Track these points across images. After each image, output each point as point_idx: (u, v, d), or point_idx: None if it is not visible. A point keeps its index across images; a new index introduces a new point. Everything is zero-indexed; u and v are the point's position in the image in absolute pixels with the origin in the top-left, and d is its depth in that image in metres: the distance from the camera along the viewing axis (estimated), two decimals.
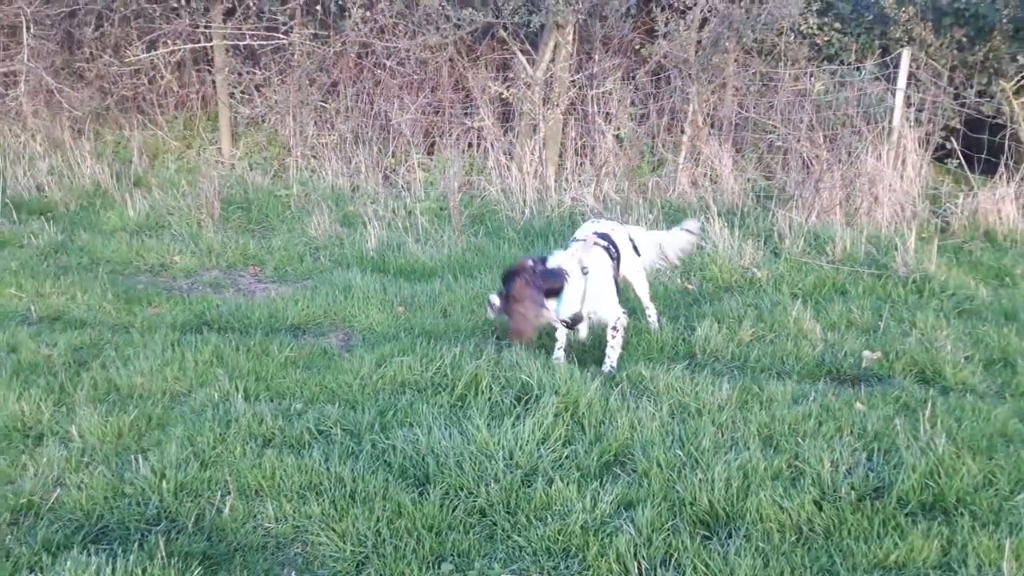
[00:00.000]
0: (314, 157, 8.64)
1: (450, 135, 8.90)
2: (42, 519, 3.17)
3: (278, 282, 6.03)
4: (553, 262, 4.39)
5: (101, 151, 8.70)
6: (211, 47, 8.64)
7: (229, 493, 3.26)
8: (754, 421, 3.75)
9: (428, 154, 8.87)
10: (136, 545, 2.97)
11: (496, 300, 4.35)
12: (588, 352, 4.63)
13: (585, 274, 4.37)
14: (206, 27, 8.49)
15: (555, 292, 4.30)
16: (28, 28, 8.30)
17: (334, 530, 3.05)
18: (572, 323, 4.45)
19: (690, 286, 5.74)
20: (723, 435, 3.65)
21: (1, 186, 7.56)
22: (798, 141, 8.15)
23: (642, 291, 4.95)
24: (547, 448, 3.50)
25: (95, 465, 3.47)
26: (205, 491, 3.29)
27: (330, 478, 3.33)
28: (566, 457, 3.47)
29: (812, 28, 8.56)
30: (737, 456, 3.44)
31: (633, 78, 8.93)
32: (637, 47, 9.19)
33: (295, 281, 6.04)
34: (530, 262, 4.37)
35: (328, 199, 7.65)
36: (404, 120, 8.73)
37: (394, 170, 8.69)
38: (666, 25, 8.19)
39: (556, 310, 4.35)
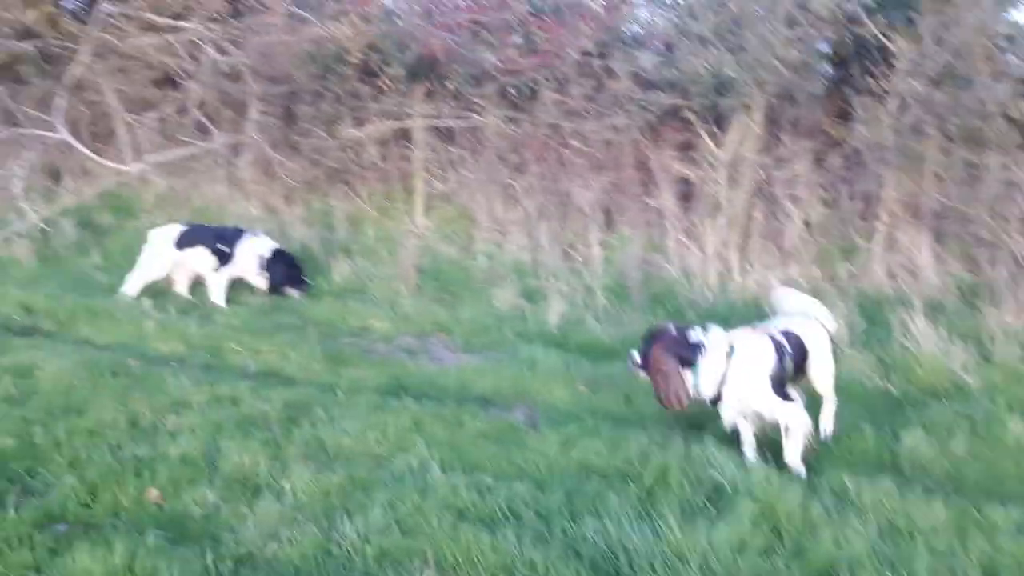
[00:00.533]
0: (499, 231, 8.99)
1: (630, 213, 9.02)
2: (259, 570, 3.38)
3: (466, 351, 6.27)
4: (703, 335, 4.32)
5: (309, 218, 9.48)
6: (412, 126, 9.28)
7: (428, 565, 3.37)
8: (974, 551, 3.45)
9: (607, 231, 9.00)
10: None
11: (637, 357, 4.34)
12: (778, 452, 4.45)
13: (730, 356, 4.23)
14: (409, 108, 9.15)
15: (688, 362, 4.21)
16: (255, 105, 9.27)
17: None
18: (713, 402, 4.34)
19: (892, 387, 5.41)
20: (940, 564, 3.37)
21: None
22: (1008, 235, 7.59)
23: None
24: (745, 558, 3.38)
25: (305, 522, 3.67)
26: (405, 560, 3.40)
27: (524, 562, 3.35)
28: (767, 570, 3.33)
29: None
30: None
31: (824, 161, 8.72)
32: (828, 130, 8.98)
33: (481, 351, 6.25)
34: (671, 327, 4.31)
35: (511, 272, 7.92)
36: (586, 198, 8.95)
37: (573, 246, 8.87)
38: (863, 110, 7.95)
39: (693, 384, 4.26)
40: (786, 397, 4.33)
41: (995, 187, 8.06)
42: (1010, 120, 8.11)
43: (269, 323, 6.55)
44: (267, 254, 7.25)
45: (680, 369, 4.24)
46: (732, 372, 4.25)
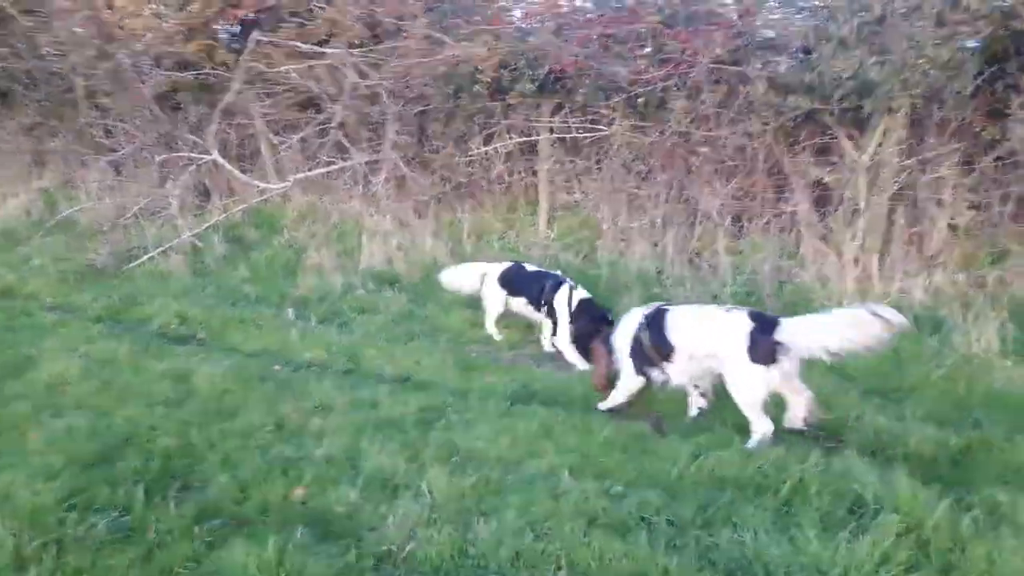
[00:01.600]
0: (623, 240, 8.98)
1: (761, 219, 8.78)
2: (399, 568, 3.54)
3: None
4: None
5: (438, 230, 9.79)
6: (538, 139, 9.43)
7: (561, 569, 3.43)
8: None
9: (736, 238, 8.81)
10: None
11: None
12: (927, 466, 4.24)
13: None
14: (536, 121, 9.30)
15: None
16: (392, 124, 9.67)
17: None
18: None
19: None
20: None
21: (360, 258, 8.78)
22: None
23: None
24: (887, 572, 3.25)
25: (442, 523, 3.81)
26: (539, 563, 3.48)
27: (657, 569, 3.37)
28: None
29: None
30: None
31: (973, 163, 8.19)
32: (978, 130, 8.43)
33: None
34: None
35: (635, 280, 7.89)
36: (713, 205, 8.79)
37: (699, 254, 8.73)
38: (1022, 108, 7.43)
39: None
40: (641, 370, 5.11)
41: None
42: None
43: (403, 331, 6.82)
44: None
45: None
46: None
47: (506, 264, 7.12)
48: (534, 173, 9.86)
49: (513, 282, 6.88)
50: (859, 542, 3.38)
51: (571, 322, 6.35)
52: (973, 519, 3.57)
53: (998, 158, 8.11)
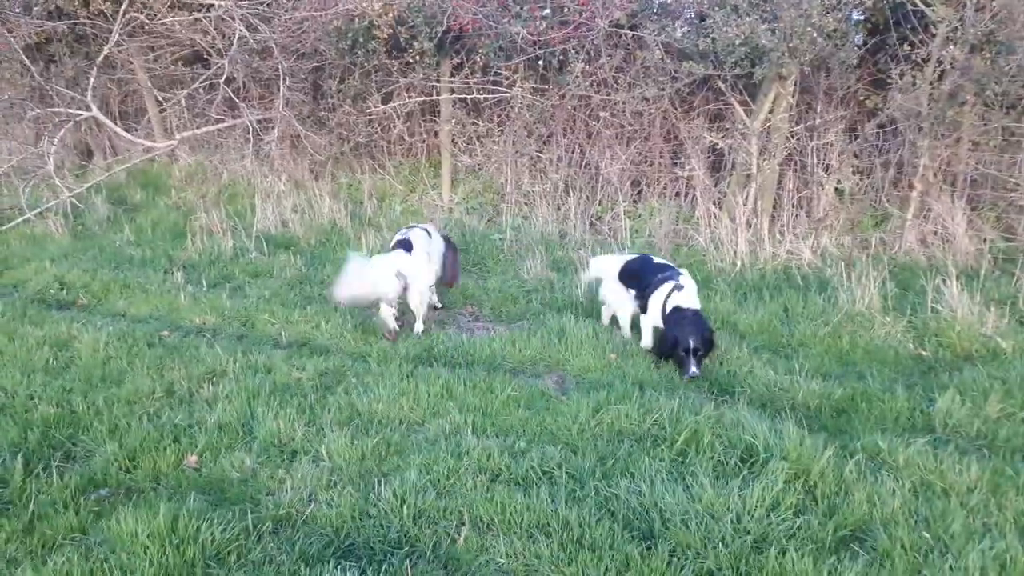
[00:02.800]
0: (526, 204, 8.98)
1: (658, 184, 8.95)
2: (298, 531, 3.47)
3: (494, 322, 6.29)
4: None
5: (336, 192, 9.53)
6: (439, 99, 9.26)
7: (463, 524, 3.43)
8: (1010, 508, 3.43)
9: (635, 203, 8.96)
10: (382, 566, 3.19)
11: None
12: (814, 416, 4.45)
13: None
14: (436, 80, 9.13)
15: None
16: (284, 80, 9.30)
17: (564, 573, 3.11)
18: None
19: (925, 352, 5.36)
20: (974, 520, 3.37)
21: (253, 221, 8.45)
22: None
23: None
24: (778, 516, 3.40)
25: (343, 485, 3.77)
26: (441, 519, 3.48)
27: (557, 520, 3.41)
28: (798, 527, 3.34)
29: None
30: (992, 545, 3.16)
31: (857, 130, 8.58)
32: (862, 98, 8.82)
33: (510, 322, 6.27)
34: None
35: (539, 244, 7.91)
36: (613, 169, 8.89)
37: (600, 218, 8.84)
38: (900, 77, 7.80)
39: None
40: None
41: None
42: None
43: (300, 295, 6.62)
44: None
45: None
46: None
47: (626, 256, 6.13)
48: (436, 134, 9.71)
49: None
50: (750, 489, 3.52)
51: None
52: (856, 464, 3.77)
53: (880, 125, 8.52)
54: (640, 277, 5.63)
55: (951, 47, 7.61)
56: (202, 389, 4.78)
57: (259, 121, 9.78)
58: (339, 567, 3.17)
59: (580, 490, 3.69)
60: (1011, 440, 4.15)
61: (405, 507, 3.52)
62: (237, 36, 9.14)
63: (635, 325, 5.79)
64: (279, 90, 9.44)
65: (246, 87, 10.27)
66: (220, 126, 10.09)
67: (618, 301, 5.87)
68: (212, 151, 10.67)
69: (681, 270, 5.50)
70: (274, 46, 9.23)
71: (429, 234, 6.30)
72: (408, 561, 3.21)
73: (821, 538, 3.28)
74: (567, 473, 3.82)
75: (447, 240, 6.62)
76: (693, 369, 4.91)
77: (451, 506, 3.54)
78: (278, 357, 5.26)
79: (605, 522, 3.42)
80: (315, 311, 6.11)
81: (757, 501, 3.44)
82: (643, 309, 5.53)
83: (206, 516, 3.46)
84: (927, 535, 3.25)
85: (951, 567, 3.05)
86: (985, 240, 7.57)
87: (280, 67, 9.35)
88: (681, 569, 3.14)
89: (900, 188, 8.29)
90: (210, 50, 9.61)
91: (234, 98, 9.75)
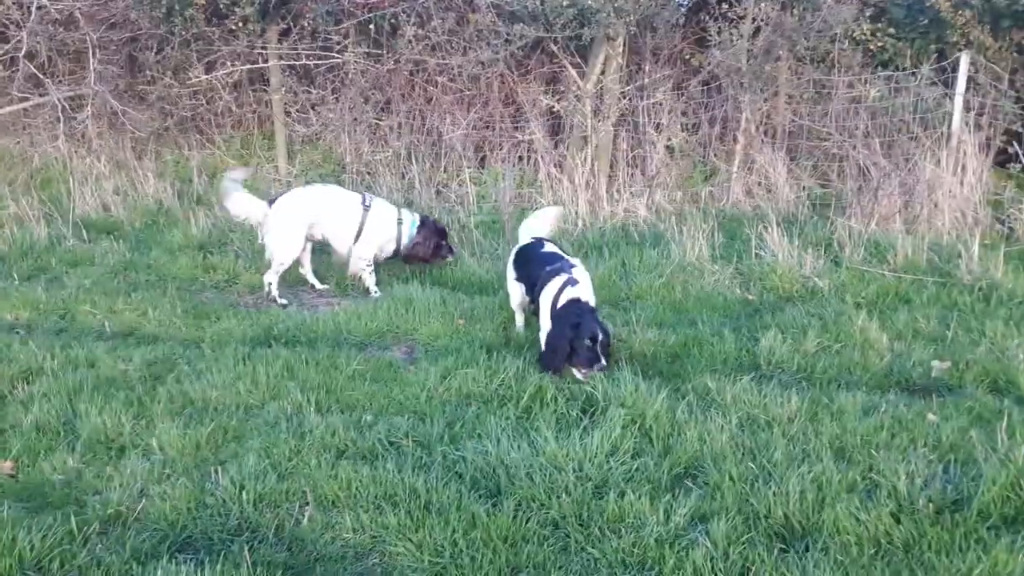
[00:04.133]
0: (368, 173, 8.79)
1: (501, 149, 8.99)
2: (129, 529, 3.26)
3: (339, 296, 6.14)
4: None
5: (162, 171, 8.96)
6: (267, 67, 8.85)
7: (307, 504, 3.34)
8: (825, 433, 3.72)
9: (480, 168, 8.96)
10: (221, 555, 3.05)
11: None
12: (650, 363, 4.64)
13: None
14: (263, 48, 8.71)
15: None
16: (94, 53, 8.59)
17: (411, 540, 3.10)
18: None
19: (750, 296, 5.70)
20: (794, 448, 3.62)
21: (71, 206, 7.81)
22: (854, 148, 8.07)
23: None
24: (616, 460, 3.52)
25: (176, 477, 3.57)
26: (284, 502, 3.37)
27: (404, 489, 3.38)
28: (636, 470, 3.48)
29: (866, 34, 8.46)
30: (810, 469, 3.41)
31: (684, 88, 8.94)
32: (687, 57, 9.19)
33: (356, 295, 6.14)
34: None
35: None
36: (456, 135, 8.85)
37: (446, 185, 8.79)
38: (718, 34, 8.16)
39: None
40: None
41: (842, 104, 8.51)
42: (854, 40, 8.55)
43: (124, 282, 6.19)
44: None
45: None
46: None
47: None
48: (267, 104, 9.29)
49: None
50: (591, 437, 3.62)
51: None
52: (687, 405, 3.96)
53: (704, 83, 8.91)
54: (528, 269, 4.92)
55: (763, 4, 8.03)
56: (16, 390, 4.39)
57: (70, 98, 9.00)
58: (174, 561, 3.01)
59: (428, 457, 3.67)
60: (827, 371, 4.50)
61: (244, 493, 3.38)
62: (36, 5, 8.35)
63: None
64: (89, 64, 8.72)
65: (52, 62, 9.40)
66: (24, 105, 9.21)
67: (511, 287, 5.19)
68: (19, 133, 9.74)
69: (574, 261, 4.80)
70: (79, 16, 8.50)
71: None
72: (249, 547, 3.08)
73: (657, 478, 3.43)
74: (415, 441, 3.79)
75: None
76: (601, 362, 4.17)
77: (294, 487, 3.44)
78: (102, 349, 4.90)
79: (452, 485, 3.43)
80: (141, 298, 5.74)
81: (597, 448, 3.55)
82: (535, 311, 4.76)
83: (23, 524, 3.19)
84: (752, 465, 3.46)
85: (774, 492, 3.26)
86: (803, 188, 8.12)
87: (89, 38, 8.63)
88: (527, 522, 3.19)
89: (726, 143, 8.74)
90: (5, 22, 8.72)
91: (38, 74, 8.91)
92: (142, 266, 6.54)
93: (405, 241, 6.21)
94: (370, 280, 6.16)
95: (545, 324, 4.55)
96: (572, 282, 4.52)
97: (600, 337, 4.20)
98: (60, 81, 9.24)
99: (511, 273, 5.16)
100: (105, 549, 3.13)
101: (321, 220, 6.02)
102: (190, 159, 9.03)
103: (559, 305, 4.45)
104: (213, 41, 8.67)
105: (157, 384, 4.45)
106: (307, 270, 6.34)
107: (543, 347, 4.53)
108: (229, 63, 8.69)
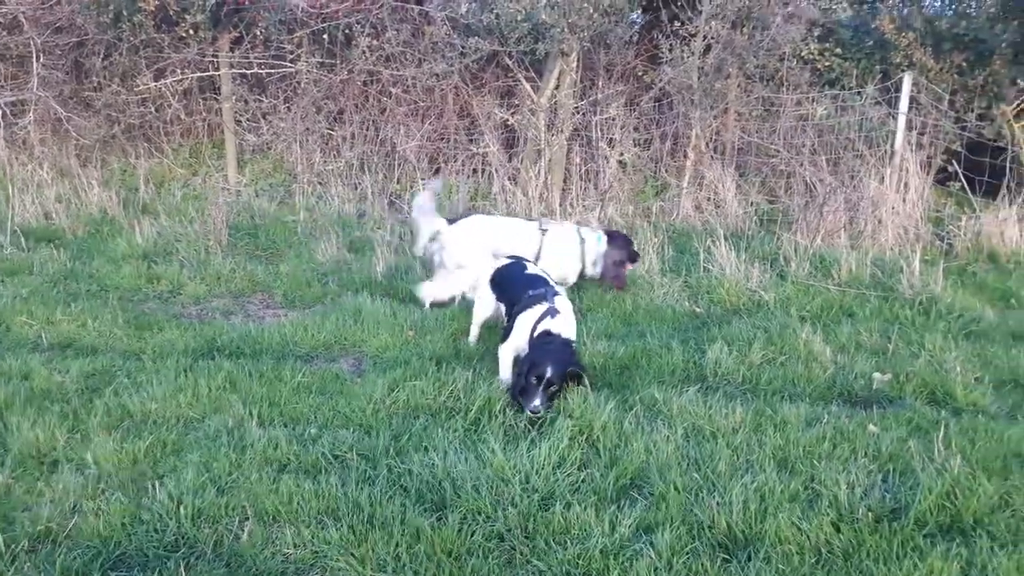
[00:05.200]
0: (320, 183, 8.71)
1: (455, 161, 8.99)
2: (60, 546, 3.15)
3: (287, 308, 6.05)
4: None
5: (108, 179, 8.76)
6: (218, 75, 8.73)
7: (247, 519, 3.26)
8: (769, 444, 3.76)
9: (434, 179, 8.94)
10: (156, 572, 2.96)
11: None
12: (599, 375, 4.64)
13: None
14: (213, 56, 8.59)
15: None
16: (38, 58, 8.38)
17: (353, 555, 3.04)
18: None
19: (698, 309, 5.76)
20: (739, 458, 3.66)
21: (9, 214, 7.58)
22: (801, 165, 8.24)
23: None
24: (563, 472, 3.51)
25: (111, 492, 3.46)
26: (223, 517, 3.28)
27: (348, 503, 3.32)
28: (582, 481, 3.47)
29: (813, 53, 8.69)
30: (754, 479, 3.44)
31: (636, 104, 9.04)
32: (640, 73, 9.31)
33: (304, 307, 6.05)
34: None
35: (335, 225, 7.70)
36: (410, 147, 8.82)
37: (399, 196, 8.75)
38: (670, 52, 8.29)
39: None
40: None
41: (789, 122, 8.70)
42: (802, 60, 8.76)
43: (63, 292, 6.01)
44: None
45: None
46: None
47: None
48: (217, 112, 9.15)
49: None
50: (538, 449, 3.61)
51: None
52: (634, 416, 3.97)
53: (656, 99, 9.03)
54: (510, 290, 4.81)
55: (714, 23, 8.18)
56: None
57: (11, 103, 8.76)
58: None
59: (373, 470, 3.62)
60: (772, 383, 4.56)
61: (182, 508, 3.28)
62: None
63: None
64: (33, 69, 8.50)
65: None
66: None
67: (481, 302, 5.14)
68: None
69: (558, 289, 4.66)
70: (23, 19, 8.29)
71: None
72: (185, 563, 2.99)
73: (603, 488, 3.42)
74: (359, 455, 3.73)
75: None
76: (535, 402, 3.93)
77: (233, 502, 3.35)
78: (37, 361, 4.73)
79: (397, 499, 3.38)
80: (81, 308, 5.57)
81: (544, 460, 3.54)
82: (505, 333, 4.60)
83: None
84: (697, 475, 3.48)
85: (718, 502, 3.28)
86: (751, 203, 8.26)
87: (32, 43, 8.42)
88: (472, 534, 3.16)
89: (676, 158, 8.85)
90: None
91: None
92: (83, 276, 6.36)
93: (590, 260, 5.88)
94: None
95: (512, 343, 4.46)
96: (552, 312, 4.34)
97: (548, 376, 3.97)
98: (1, 86, 8.99)
99: (486, 290, 5.06)
100: (34, 567, 3.03)
101: (500, 250, 5.61)
102: (137, 167, 8.84)
103: (537, 333, 4.31)
104: (163, 48, 8.53)
105: (94, 397, 4.31)
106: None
107: (508, 368, 4.46)
108: (179, 71, 8.55)
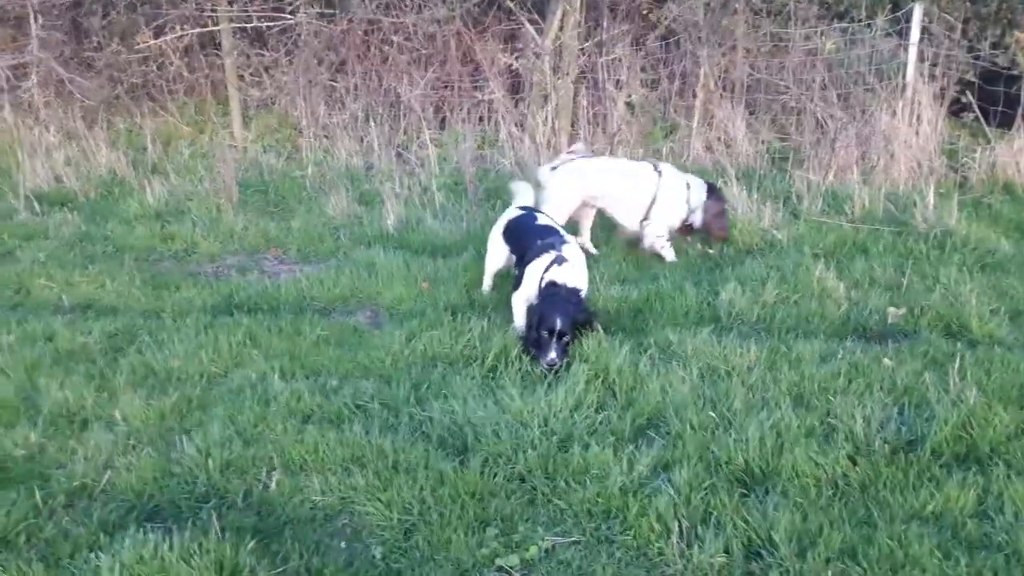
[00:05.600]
0: (326, 137, 8.65)
1: (461, 109, 8.90)
2: (95, 500, 3.26)
3: (301, 263, 6.08)
4: None
5: (115, 139, 8.73)
6: (218, 31, 8.63)
7: (275, 469, 3.34)
8: (784, 381, 3.81)
9: (440, 129, 8.88)
10: (189, 522, 3.06)
11: None
12: (613, 319, 4.67)
13: None
14: (212, 10, 8.48)
15: None
16: (36, 19, 8.30)
17: (380, 500, 3.12)
18: None
19: (711, 250, 5.76)
20: (754, 396, 3.70)
21: (21, 179, 7.60)
22: (811, 101, 8.12)
23: None
24: (581, 415, 3.57)
25: (141, 447, 3.56)
26: (251, 468, 3.37)
27: (372, 450, 3.40)
28: (600, 423, 3.54)
29: None
30: (769, 415, 3.49)
31: (642, 44, 8.90)
32: (645, 12, 9.14)
33: (318, 261, 6.08)
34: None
35: (343, 178, 7.68)
36: (414, 96, 8.73)
37: (406, 147, 8.70)
38: None
39: None
40: None
41: (798, 57, 8.54)
42: None
43: (80, 255, 6.06)
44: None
45: None
46: None
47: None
48: (220, 69, 9.07)
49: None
50: (555, 393, 3.66)
51: None
52: (649, 358, 4.02)
53: (663, 38, 8.88)
54: (521, 240, 4.76)
55: None
56: None
57: (13, 67, 8.71)
58: (142, 530, 3.00)
59: (395, 418, 3.70)
60: (786, 321, 4.58)
61: (211, 460, 3.37)
62: None
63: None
64: (32, 30, 8.42)
65: None
66: None
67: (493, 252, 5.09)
68: None
69: (568, 238, 4.64)
70: None
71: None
72: (217, 513, 3.09)
73: (620, 429, 3.49)
74: (381, 403, 3.80)
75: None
76: (551, 355, 3.96)
77: (260, 453, 3.44)
78: (60, 323, 4.81)
79: (420, 445, 3.46)
80: (99, 270, 5.62)
81: (562, 404, 3.60)
82: (516, 281, 4.58)
83: None
84: (713, 414, 3.54)
85: (734, 439, 3.34)
86: (762, 142, 8.17)
87: (29, 3, 8.33)
88: (494, 477, 3.24)
89: (685, 98, 8.73)
90: None
91: None
92: (98, 237, 6.41)
93: (693, 208, 5.70)
94: (668, 253, 5.67)
95: (523, 293, 4.46)
96: (560, 260, 4.32)
97: (558, 328, 3.98)
98: (1, 49, 8.93)
99: (498, 241, 5.01)
100: (72, 521, 3.13)
101: (605, 194, 5.59)
102: (143, 127, 8.80)
103: (543, 284, 4.30)
104: (161, 5, 8.43)
105: (118, 356, 4.39)
106: (585, 237, 5.92)
107: (521, 316, 4.46)
108: (178, 27, 8.46)
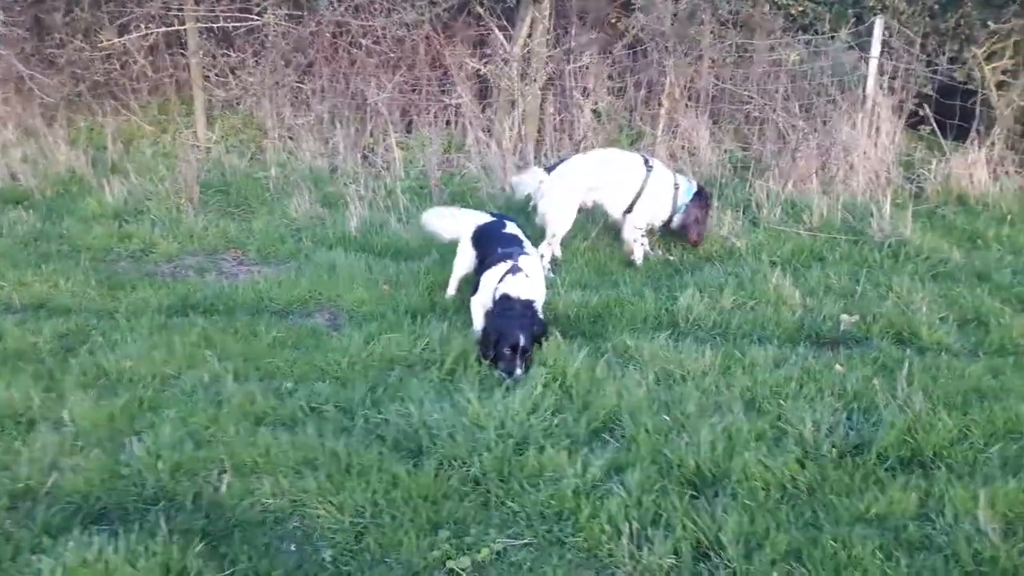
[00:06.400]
0: (291, 138, 8.59)
1: (428, 113, 8.89)
2: (40, 503, 3.19)
3: (261, 264, 6.02)
4: None
5: (75, 138, 8.60)
6: (184, 30, 8.54)
7: (225, 471, 3.31)
8: (737, 385, 3.85)
9: (407, 133, 8.86)
10: (136, 524, 3.01)
11: None
12: (572, 324, 4.70)
13: None
14: (179, 9, 8.39)
15: None
16: None
17: (331, 503, 3.11)
18: None
19: (671, 257, 5.81)
20: (707, 400, 3.74)
21: None
22: (774, 111, 8.23)
23: None
24: (537, 418, 3.58)
25: (89, 448, 3.50)
26: (201, 470, 3.33)
27: (325, 453, 3.38)
28: (556, 425, 3.55)
29: None
30: (721, 419, 3.53)
31: (610, 52, 8.96)
32: (613, 21, 9.21)
33: (278, 263, 6.03)
34: None
35: (307, 180, 7.62)
36: (381, 99, 8.70)
37: (372, 150, 8.66)
38: (643, 0, 8.20)
39: None
40: None
41: (763, 68, 8.67)
42: (775, 4, 8.68)
43: (34, 253, 5.94)
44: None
45: None
46: None
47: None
48: (185, 68, 8.96)
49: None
50: (512, 396, 3.67)
51: None
52: (606, 361, 4.04)
53: (630, 46, 8.95)
54: (486, 246, 4.77)
55: None
56: None
57: None
58: (86, 532, 2.95)
59: (350, 421, 3.68)
60: (742, 327, 4.65)
61: (160, 462, 3.33)
62: None
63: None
64: None
65: None
66: None
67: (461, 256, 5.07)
68: None
69: (528, 249, 4.64)
70: None
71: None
72: (165, 515, 3.04)
73: (576, 432, 3.51)
74: (336, 406, 3.79)
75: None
76: (517, 371, 3.97)
77: (211, 455, 3.40)
78: (10, 322, 4.72)
79: (374, 447, 3.44)
80: (53, 269, 5.52)
81: (519, 407, 3.60)
82: (474, 287, 4.60)
83: None
84: (667, 417, 3.57)
85: (687, 443, 3.37)
86: (725, 151, 8.27)
87: None
88: (448, 480, 3.24)
89: (651, 107, 8.80)
90: None
91: None
92: (54, 236, 6.29)
93: (678, 208, 5.74)
94: (639, 252, 5.73)
95: (480, 298, 4.47)
96: (515, 270, 4.31)
97: (521, 345, 3.98)
98: None
99: (466, 246, 4.99)
100: (14, 524, 3.07)
101: (601, 184, 5.67)
102: (104, 126, 8.66)
103: (497, 295, 4.29)
104: (125, 3, 8.32)
105: (69, 356, 4.32)
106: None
107: (474, 316, 4.49)
108: (143, 25, 8.35)
